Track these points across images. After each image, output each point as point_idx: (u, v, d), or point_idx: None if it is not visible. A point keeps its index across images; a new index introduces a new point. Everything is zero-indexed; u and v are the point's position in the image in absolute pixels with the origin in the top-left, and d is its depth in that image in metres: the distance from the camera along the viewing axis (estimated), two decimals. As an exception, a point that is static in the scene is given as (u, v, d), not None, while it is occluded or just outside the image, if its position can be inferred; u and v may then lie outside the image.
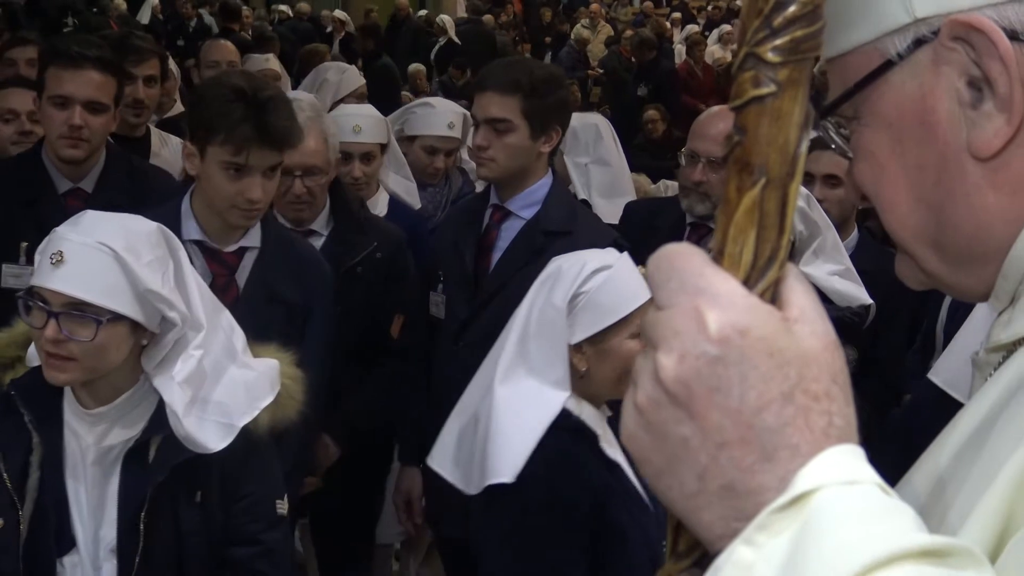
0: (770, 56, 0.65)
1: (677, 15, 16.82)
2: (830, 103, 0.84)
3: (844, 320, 2.83)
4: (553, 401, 2.15)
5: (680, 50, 13.21)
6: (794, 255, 2.91)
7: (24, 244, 2.88)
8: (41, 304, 1.92)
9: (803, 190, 2.88)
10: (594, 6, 16.52)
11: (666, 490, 0.68)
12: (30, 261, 2.78)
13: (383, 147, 3.66)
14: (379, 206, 3.61)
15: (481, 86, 2.97)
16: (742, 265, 0.68)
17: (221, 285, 2.48)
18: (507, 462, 2.08)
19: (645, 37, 11.77)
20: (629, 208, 3.80)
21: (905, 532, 0.61)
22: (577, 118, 4.10)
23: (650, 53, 11.51)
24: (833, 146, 0.87)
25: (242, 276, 2.58)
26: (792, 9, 0.64)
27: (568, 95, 2.93)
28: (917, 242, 0.82)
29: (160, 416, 2.00)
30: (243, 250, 2.59)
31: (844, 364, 0.68)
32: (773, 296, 0.68)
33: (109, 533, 2.01)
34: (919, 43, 0.77)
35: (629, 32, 14.19)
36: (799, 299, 0.68)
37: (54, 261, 1.91)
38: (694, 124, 3.42)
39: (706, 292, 0.66)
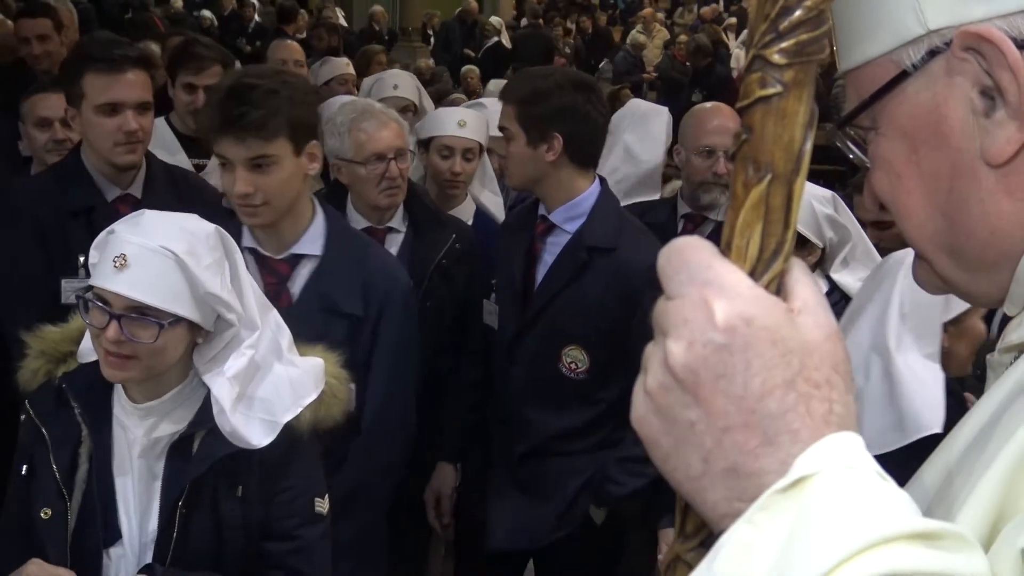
0: (776, 58, 0.68)
1: (732, 20, 16.70)
2: (847, 114, 0.87)
3: None
4: (936, 370, 2.37)
5: (739, 55, 13.14)
6: (824, 262, 2.89)
7: (82, 258, 2.80)
8: (102, 305, 1.94)
9: (831, 195, 2.87)
10: (648, 11, 16.50)
11: (673, 471, 0.71)
12: (89, 274, 2.86)
13: (482, 148, 3.68)
14: (465, 215, 3.59)
15: (499, 97, 3.05)
16: (748, 258, 0.71)
17: (272, 293, 2.43)
18: (934, 416, 2.30)
19: (700, 44, 11.72)
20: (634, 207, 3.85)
21: (899, 515, 0.63)
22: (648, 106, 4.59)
23: (705, 59, 11.48)
24: (851, 156, 0.89)
25: (296, 284, 2.52)
26: (797, 14, 0.67)
27: (577, 102, 2.85)
28: (934, 248, 0.84)
29: (206, 411, 2.03)
30: (297, 258, 2.53)
31: (846, 354, 0.70)
32: (778, 288, 0.72)
33: (154, 525, 2.04)
34: (932, 54, 0.78)
35: (684, 37, 14.14)
36: (803, 291, 0.71)
37: (117, 264, 1.93)
38: (696, 122, 3.51)
39: (714, 283, 0.69)
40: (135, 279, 1.93)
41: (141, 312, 1.94)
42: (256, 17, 13.92)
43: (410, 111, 4.33)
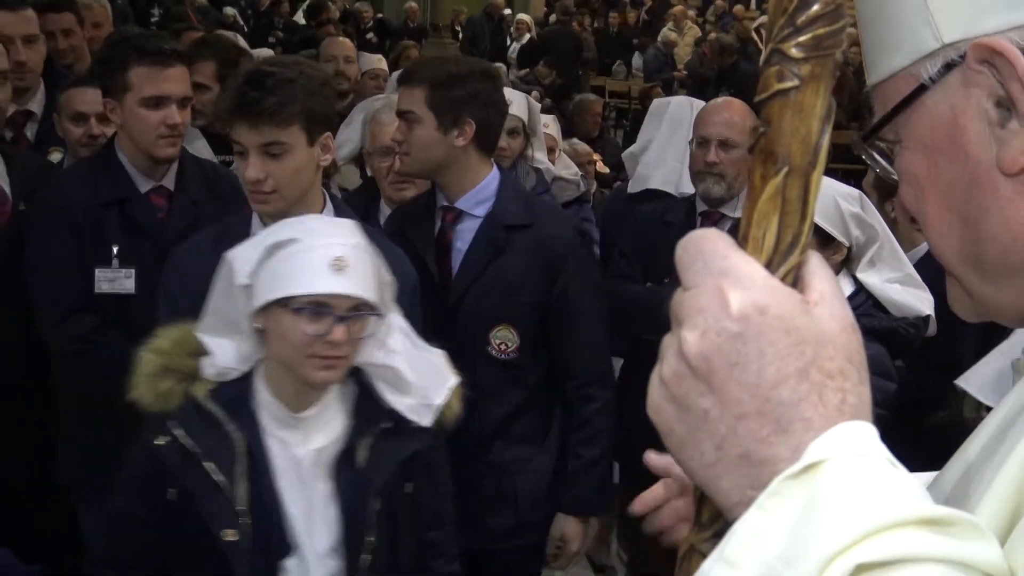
0: (794, 52, 0.69)
1: (764, 19, 16.62)
2: (872, 127, 0.88)
3: (899, 332, 2.79)
4: None
5: (768, 53, 13.06)
6: (851, 261, 2.87)
7: (115, 248, 2.90)
8: (326, 310, 1.95)
9: (858, 193, 2.85)
10: (678, 9, 16.45)
11: (687, 459, 0.72)
12: (122, 264, 2.86)
13: (525, 127, 3.74)
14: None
15: (398, 82, 3.00)
16: (764, 249, 0.72)
17: None
18: None
19: (725, 43, 11.73)
20: (640, 213, 3.88)
21: (909, 501, 0.64)
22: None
23: (730, 58, 11.48)
24: (878, 170, 0.90)
25: None
26: (815, 8, 0.68)
27: (489, 89, 2.85)
28: (959, 260, 0.85)
29: (364, 416, 2.07)
30: None
31: (861, 346, 0.71)
32: (795, 280, 0.72)
33: (325, 534, 2.04)
34: (949, 67, 0.79)
35: (714, 34, 14.12)
36: (820, 283, 0.72)
37: (336, 267, 1.94)
38: (700, 114, 3.59)
39: (729, 273, 0.70)
40: (356, 279, 1.97)
41: (361, 309, 1.98)
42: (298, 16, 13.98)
43: (518, 134, 4.08)
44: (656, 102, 4.88)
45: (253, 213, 2.49)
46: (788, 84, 0.70)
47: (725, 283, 0.69)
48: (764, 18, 13.31)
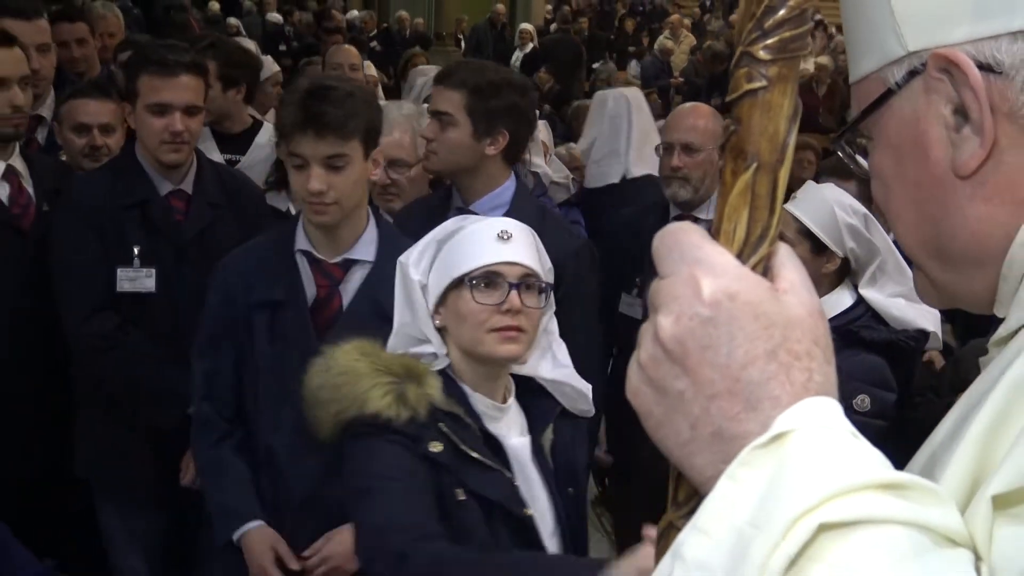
0: (761, 54, 0.71)
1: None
2: (846, 126, 0.91)
3: (898, 344, 2.79)
4: None
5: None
6: (854, 275, 2.85)
7: (136, 248, 2.92)
8: (498, 279, 1.97)
9: (863, 211, 2.84)
10: (675, 17, 16.47)
11: (664, 439, 0.74)
12: (143, 264, 2.89)
13: None
14: None
15: (437, 80, 2.94)
16: (735, 241, 0.74)
17: (324, 296, 2.45)
18: None
19: (717, 50, 11.75)
20: (618, 218, 3.91)
21: (870, 467, 0.66)
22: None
23: (721, 65, 11.48)
24: (853, 166, 0.93)
25: (349, 289, 2.48)
26: (781, 13, 0.70)
27: (525, 104, 2.86)
28: (923, 252, 0.87)
29: (547, 406, 2.11)
30: (350, 262, 2.49)
31: (827, 330, 0.73)
32: (765, 270, 0.74)
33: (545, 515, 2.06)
34: (912, 74, 0.82)
35: (709, 42, 14.12)
36: (789, 273, 0.74)
37: (504, 237, 1.99)
38: (667, 120, 3.60)
39: (702, 262, 0.72)
40: (520, 249, 2.01)
41: (530, 279, 2.00)
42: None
43: None
44: (597, 97, 5.12)
45: (299, 225, 2.49)
46: (756, 84, 0.71)
47: (698, 271, 0.71)
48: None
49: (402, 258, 2.09)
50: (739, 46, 0.72)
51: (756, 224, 0.73)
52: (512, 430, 2.07)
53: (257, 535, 2.43)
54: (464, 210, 2.82)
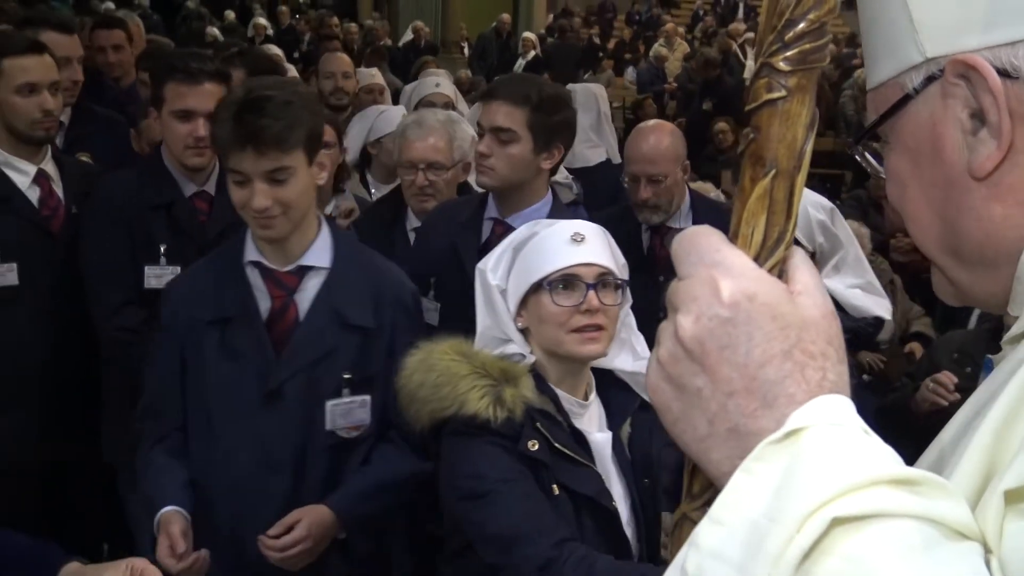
0: (782, 65, 0.70)
1: (751, 35, 16.61)
2: (864, 130, 0.90)
3: (860, 330, 2.85)
4: None
5: (751, 66, 13.04)
6: (816, 266, 2.90)
7: (163, 247, 2.91)
8: (575, 280, 1.95)
9: (831, 206, 2.86)
10: (669, 26, 16.44)
11: (681, 434, 0.73)
12: (170, 262, 2.87)
13: None
14: None
15: (491, 95, 2.76)
16: (753, 244, 0.73)
17: (279, 307, 2.22)
18: None
19: (709, 57, 11.72)
20: (595, 220, 3.85)
21: (882, 463, 0.65)
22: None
23: (714, 71, 11.44)
24: (868, 169, 0.92)
25: (304, 298, 2.24)
26: (801, 26, 0.69)
27: (574, 118, 2.79)
28: (938, 250, 0.86)
29: (614, 398, 2.08)
30: (304, 269, 2.25)
31: (840, 331, 0.72)
32: (780, 273, 0.74)
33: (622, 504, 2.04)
34: (930, 79, 0.81)
35: (701, 48, 14.10)
36: (803, 276, 0.73)
37: (577, 239, 1.97)
38: (627, 147, 3.46)
39: (721, 264, 0.71)
40: (595, 249, 1.98)
41: (606, 278, 1.98)
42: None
43: (450, 106, 4.36)
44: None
45: (247, 236, 2.28)
46: (776, 95, 0.71)
47: (717, 273, 0.71)
48: (751, 34, 13.28)
49: (480, 265, 2.05)
50: (760, 58, 0.71)
51: (773, 228, 0.72)
52: (593, 425, 2.05)
53: (165, 516, 2.12)
54: (500, 221, 2.76)
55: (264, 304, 2.21)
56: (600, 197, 4.57)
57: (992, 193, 0.79)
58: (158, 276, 2.88)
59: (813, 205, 2.84)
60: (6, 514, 2.59)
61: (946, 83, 0.79)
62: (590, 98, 5.22)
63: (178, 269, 2.86)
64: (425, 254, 2.90)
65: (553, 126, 2.68)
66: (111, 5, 12.73)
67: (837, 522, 0.61)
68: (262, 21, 11.81)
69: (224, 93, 3.02)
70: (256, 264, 2.24)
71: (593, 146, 5.20)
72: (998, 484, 0.67)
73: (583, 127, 5.01)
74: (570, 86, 5.56)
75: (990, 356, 0.89)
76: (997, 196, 0.79)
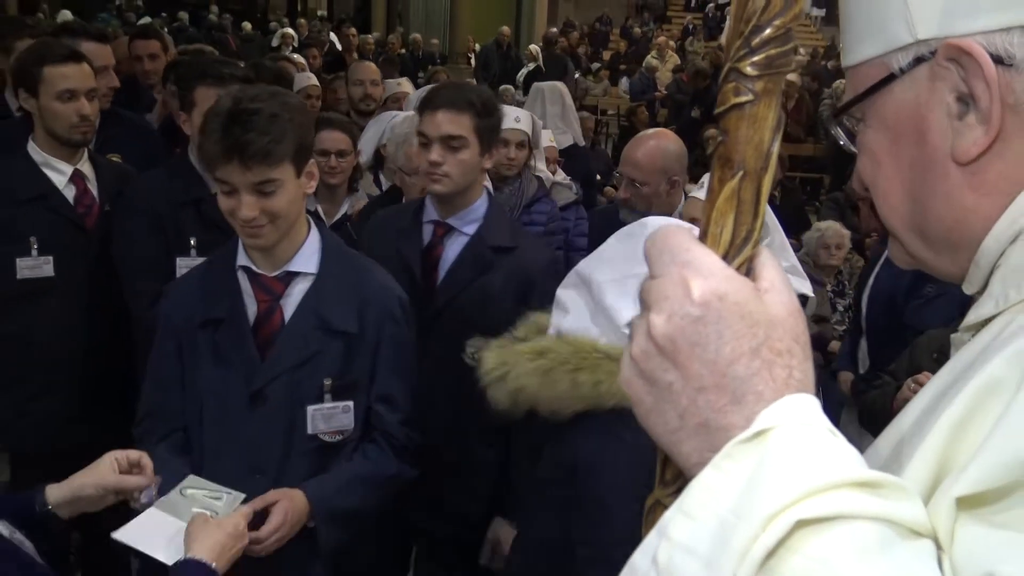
0: (748, 70, 0.67)
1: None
2: (841, 106, 0.85)
3: None
4: None
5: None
6: None
7: (193, 240, 2.89)
8: None
9: None
10: (662, 39, 16.42)
11: (653, 426, 0.70)
12: (199, 253, 2.84)
13: (529, 140, 3.73)
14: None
15: (433, 105, 2.62)
16: (722, 243, 0.70)
17: (264, 311, 2.13)
18: None
19: (700, 68, 11.70)
20: (594, 215, 3.93)
21: (846, 466, 0.62)
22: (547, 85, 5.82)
23: (704, 81, 11.43)
24: (842, 142, 0.88)
25: (290, 303, 2.14)
26: (767, 32, 0.66)
27: (501, 117, 2.75)
28: (904, 228, 0.83)
29: None
30: (291, 275, 2.15)
31: (805, 328, 0.69)
32: (748, 270, 0.70)
33: None
34: (918, 61, 0.77)
35: (693, 59, 14.06)
36: (769, 273, 0.70)
37: None
38: (623, 151, 3.53)
39: (691, 264, 0.68)
40: None
41: None
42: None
43: (524, 147, 4.01)
44: (534, 88, 5.95)
45: (238, 244, 2.18)
46: (744, 98, 0.68)
47: (688, 273, 0.68)
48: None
49: (606, 298, 1.79)
50: (727, 63, 0.68)
51: (741, 227, 0.69)
52: None
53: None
54: (440, 223, 2.66)
55: (251, 308, 2.13)
56: (569, 173, 5.03)
57: (968, 181, 0.76)
58: (189, 267, 2.84)
59: None
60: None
61: (936, 66, 0.75)
62: (556, 93, 5.69)
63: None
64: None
65: (492, 128, 2.63)
66: (148, 19, 12.78)
67: (802, 524, 0.59)
68: (290, 31, 11.72)
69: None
70: (245, 269, 2.16)
71: (562, 132, 5.60)
72: (951, 487, 0.65)
73: (553, 117, 5.60)
74: (537, 84, 6.03)
75: (951, 335, 0.86)
76: (972, 184, 0.76)
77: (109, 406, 3.10)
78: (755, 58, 0.67)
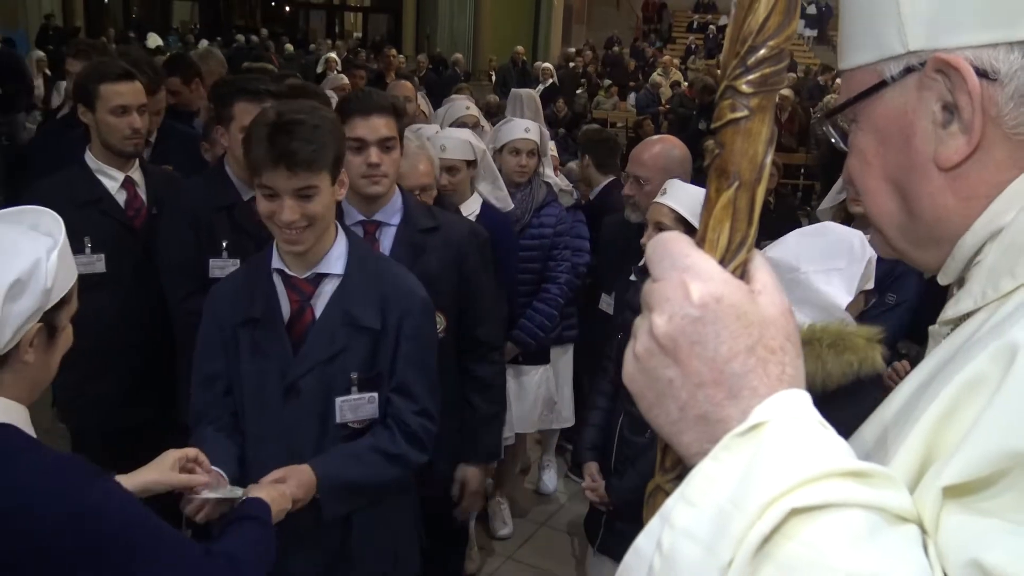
0: (744, 88, 0.66)
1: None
2: (835, 107, 0.84)
3: None
4: None
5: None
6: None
7: (225, 242, 2.89)
8: None
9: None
10: (667, 59, 16.38)
11: (655, 418, 0.70)
12: (231, 256, 2.86)
13: (468, 163, 3.53)
14: (472, 208, 3.49)
15: (365, 111, 2.55)
16: (719, 249, 0.69)
17: (295, 311, 2.14)
18: None
19: (707, 83, 11.63)
20: (608, 224, 3.81)
21: (835, 457, 0.62)
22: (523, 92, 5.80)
23: (710, 96, 11.36)
24: (833, 140, 0.87)
25: (319, 302, 2.14)
26: (762, 52, 0.65)
27: None
28: (888, 224, 0.82)
29: None
30: (320, 277, 2.15)
31: (796, 328, 0.69)
32: (742, 273, 0.70)
33: None
34: (908, 70, 0.76)
35: (692, 78, 13.99)
36: (763, 276, 0.69)
37: None
38: (633, 153, 3.47)
39: (691, 268, 0.67)
40: None
41: None
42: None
43: (477, 125, 4.39)
44: (512, 94, 5.98)
45: (273, 248, 2.18)
46: (739, 114, 0.67)
47: (687, 276, 0.67)
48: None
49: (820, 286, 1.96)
50: (724, 81, 0.67)
51: (736, 234, 0.69)
52: None
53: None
54: (369, 221, 2.62)
55: (285, 307, 2.14)
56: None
57: (949, 185, 0.75)
58: (221, 268, 2.88)
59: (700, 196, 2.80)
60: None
61: (924, 76, 0.74)
62: (531, 99, 5.81)
63: (238, 262, 2.86)
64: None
65: (400, 127, 2.63)
66: (205, 42, 12.80)
67: (795, 512, 0.59)
68: (333, 56, 11.72)
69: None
70: (279, 271, 2.16)
71: None
72: (937, 477, 0.64)
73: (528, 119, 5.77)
74: (516, 91, 6.05)
75: (929, 328, 0.85)
76: (953, 188, 0.75)
77: (156, 388, 3.14)
78: (750, 76, 0.66)
